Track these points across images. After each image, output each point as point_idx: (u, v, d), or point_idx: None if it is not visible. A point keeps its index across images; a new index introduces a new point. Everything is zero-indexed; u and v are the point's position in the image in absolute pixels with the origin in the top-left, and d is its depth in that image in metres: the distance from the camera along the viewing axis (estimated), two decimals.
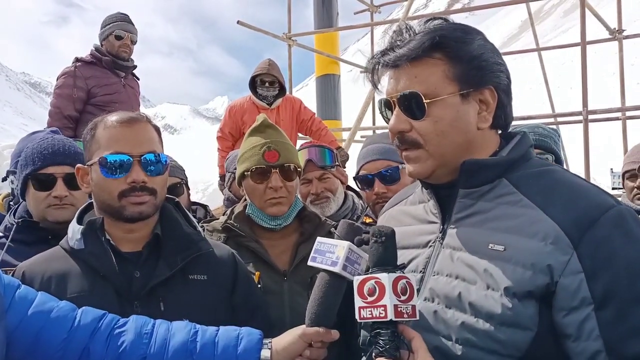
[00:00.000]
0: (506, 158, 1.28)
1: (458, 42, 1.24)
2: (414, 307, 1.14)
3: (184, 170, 2.98)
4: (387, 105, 1.33)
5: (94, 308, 1.44)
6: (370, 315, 1.14)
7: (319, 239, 1.39)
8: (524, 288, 1.12)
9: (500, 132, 1.35)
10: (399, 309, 1.12)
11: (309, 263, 1.37)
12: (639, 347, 1.06)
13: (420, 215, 1.41)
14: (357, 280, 1.18)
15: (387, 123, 1.33)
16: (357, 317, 1.16)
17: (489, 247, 1.19)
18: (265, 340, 1.43)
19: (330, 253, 1.33)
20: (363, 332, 1.53)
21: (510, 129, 3.06)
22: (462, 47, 1.24)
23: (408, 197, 1.54)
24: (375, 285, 1.14)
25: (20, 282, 1.51)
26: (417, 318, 1.15)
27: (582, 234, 1.11)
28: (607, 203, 1.15)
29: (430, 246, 1.32)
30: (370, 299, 1.14)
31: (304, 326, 1.38)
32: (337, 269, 1.30)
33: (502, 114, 1.30)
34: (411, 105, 1.25)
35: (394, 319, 1.12)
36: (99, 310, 1.43)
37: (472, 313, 1.18)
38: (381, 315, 1.12)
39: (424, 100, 1.23)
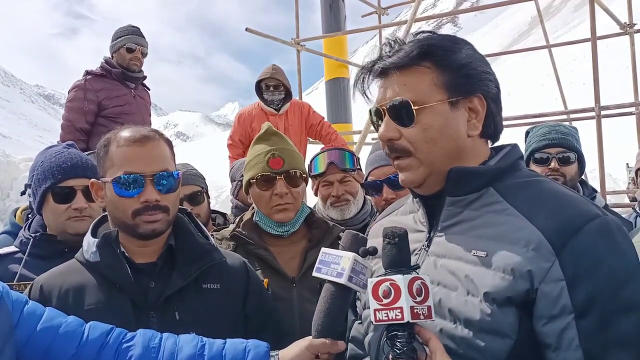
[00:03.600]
0: (494, 167, 1.28)
1: (446, 50, 1.26)
2: (429, 307, 1.13)
3: (205, 179, 2.98)
4: (377, 114, 1.34)
5: (108, 321, 1.46)
6: (387, 318, 1.12)
7: (323, 249, 1.38)
8: (504, 294, 1.11)
9: (491, 143, 1.36)
10: (415, 310, 1.11)
11: (314, 274, 1.37)
12: (618, 358, 1.04)
13: (409, 225, 1.40)
14: (371, 282, 1.16)
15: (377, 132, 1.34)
16: (372, 319, 1.15)
17: (472, 253, 1.18)
18: (272, 353, 1.44)
19: (335, 264, 1.33)
20: (351, 346, 1.53)
21: (529, 128, 3.03)
22: (450, 55, 1.26)
23: (399, 209, 1.54)
24: (391, 287, 1.12)
25: (34, 296, 1.53)
26: (433, 319, 1.14)
27: (565, 241, 1.09)
28: (592, 212, 1.14)
29: (416, 254, 1.32)
30: (385, 301, 1.13)
31: (310, 338, 1.38)
32: (342, 280, 1.30)
33: (492, 123, 1.31)
34: (400, 112, 1.26)
35: (410, 321, 1.10)
36: (106, 324, 1.44)
37: (451, 319, 1.17)
38: (397, 317, 1.10)
39: (413, 107, 1.24)
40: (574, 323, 1.07)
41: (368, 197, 2.79)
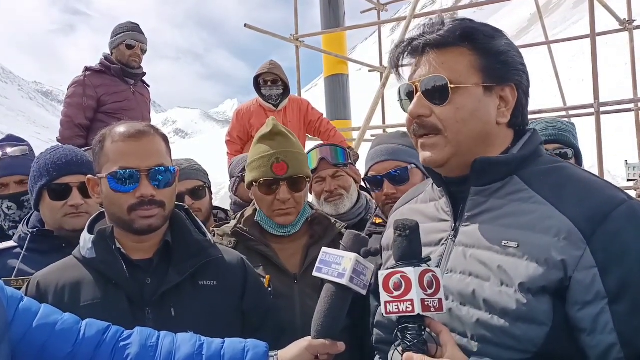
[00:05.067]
0: (517, 155, 1.28)
1: (487, 36, 1.29)
2: (440, 300, 1.14)
3: (207, 174, 2.97)
4: (407, 91, 1.34)
5: (104, 317, 1.45)
6: (397, 310, 1.13)
7: (324, 249, 1.38)
8: (538, 283, 1.12)
9: (514, 134, 1.36)
10: (425, 303, 1.11)
11: (314, 273, 1.37)
12: None
13: (431, 214, 1.41)
14: (382, 274, 1.16)
15: (405, 110, 1.34)
16: (383, 311, 1.15)
17: (502, 243, 1.19)
18: (271, 353, 1.43)
19: (336, 264, 1.32)
20: (376, 331, 1.52)
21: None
22: (490, 41, 1.28)
23: (418, 196, 1.54)
24: (401, 280, 1.12)
25: (31, 292, 1.51)
26: (444, 311, 1.14)
27: (594, 228, 1.11)
28: (618, 198, 1.16)
29: (443, 244, 1.33)
30: (396, 293, 1.13)
31: (309, 338, 1.38)
32: (344, 281, 1.30)
33: (520, 115, 1.32)
34: (434, 90, 1.26)
35: (421, 313, 1.11)
36: (103, 322, 1.43)
37: (486, 310, 1.18)
38: (408, 309, 1.11)
39: (449, 85, 1.24)
40: (607, 308, 1.09)
41: (363, 192, 2.79)
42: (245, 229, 2.08)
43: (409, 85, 1.33)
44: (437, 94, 1.26)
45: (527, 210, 1.20)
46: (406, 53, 1.33)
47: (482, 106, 1.26)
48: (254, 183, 2.06)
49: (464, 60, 1.26)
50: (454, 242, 1.30)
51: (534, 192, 1.22)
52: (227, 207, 3.40)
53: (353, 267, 1.30)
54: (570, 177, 1.24)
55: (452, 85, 1.24)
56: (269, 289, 1.91)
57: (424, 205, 1.47)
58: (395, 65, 1.35)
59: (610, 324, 1.08)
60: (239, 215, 2.19)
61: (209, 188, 2.93)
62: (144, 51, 4.59)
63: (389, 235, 1.55)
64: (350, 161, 2.76)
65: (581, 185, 1.21)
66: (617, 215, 1.12)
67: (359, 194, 2.76)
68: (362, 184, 2.89)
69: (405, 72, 1.37)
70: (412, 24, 6.67)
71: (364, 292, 1.35)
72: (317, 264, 1.36)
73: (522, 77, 1.31)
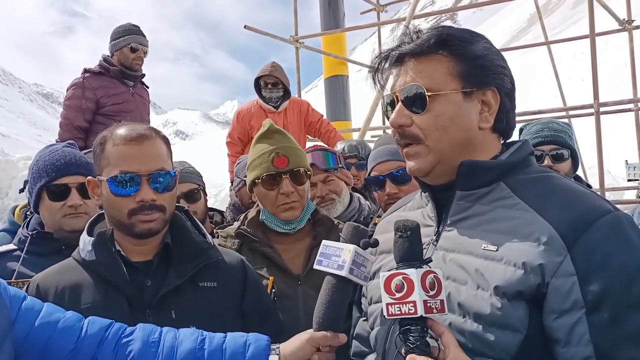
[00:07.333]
0: (505, 161, 1.27)
1: (463, 41, 1.27)
2: (442, 301, 1.12)
3: (202, 177, 2.98)
4: (390, 102, 1.34)
5: (104, 317, 1.45)
6: (399, 312, 1.11)
7: (324, 242, 1.38)
8: (514, 288, 1.10)
9: (502, 139, 1.35)
10: (428, 305, 1.10)
11: (315, 266, 1.37)
12: (630, 354, 1.03)
13: (418, 221, 1.40)
14: (383, 276, 1.15)
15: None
16: (384, 313, 1.14)
17: (482, 247, 1.18)
18: (273, 346, 1.43)
19: (336, 256, 1.33)
20: (355, 343, 1.52)
21: (523, 125, 3.03)
22: (467, 46, 1.27)
23: (407, 204, 1.54)
24: (403, 281, 1.11)
25: (30, 294, 1.52)
26: (447, 313, 1.13)
27: (577, 236, 1.09)
28: (604, 208, 1.14)
29: (424, 248, 1.30)
30: (398, 295, 1.12)
31: (311, 330, 1.38)
32: (343, 272, 1.30)
33: (504, 118, 1.30)
34: (413, 98, 1.26)
35: (424, 315, 1.09)
36: (105, 319, 1.44)
37: (460, 313, 1.17)
38: (410, 311, 1.10)
39: (426, 94, 1.24)
40: (585, 318, 1.06)
41: (355, 194, 2.79)
42: (248, 230, 2.08)
43: (390, 95, 1.33)
44: (416, 102, 1.26)
45: (511, 216, 1.19)
46: (385, 63, 1.33)
47: (462, 112, 1.25)
48: (256, 181, 2.07)
49: (441, 68, 1.26)
50: (435, 246, 1.29)
51: (519, 199, 1.21)
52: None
53: (352, 258, 1.30)
54: (557, 186, 1.22)
55: (429, 93, 1.24)
56: (273, 290, 1.92)
57: (411, 213, 1.46)
58: (374, 73, 1.36)
59: (586, 335, 1.06)
60: (242, 217, 2.20)
61: (204, 190, 2.94)
62: (146, 54, 4.59)
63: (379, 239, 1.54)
64: (340, 165, 2.76)
65: (567, 193, 1.19)
66: (601, 224, 1.10)
67: (351, 196, 2.76)
68: (355, 186, 2.90)
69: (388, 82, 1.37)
70: (412, 24, 6.66)
71: (365, 284, 1.36)
72: (317, 257, 1.37)
73: (503, 80, 1.29)
